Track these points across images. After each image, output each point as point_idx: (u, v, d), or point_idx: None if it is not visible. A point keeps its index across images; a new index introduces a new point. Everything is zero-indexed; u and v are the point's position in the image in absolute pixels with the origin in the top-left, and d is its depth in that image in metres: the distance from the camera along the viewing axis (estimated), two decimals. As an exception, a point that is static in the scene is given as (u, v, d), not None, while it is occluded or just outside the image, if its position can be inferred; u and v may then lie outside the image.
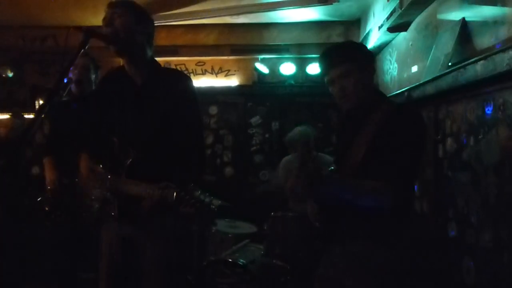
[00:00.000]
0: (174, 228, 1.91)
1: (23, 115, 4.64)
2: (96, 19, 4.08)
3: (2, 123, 4.68)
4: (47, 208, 2.50)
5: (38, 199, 2.54)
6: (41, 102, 4.65)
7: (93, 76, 2.71)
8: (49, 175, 2.57)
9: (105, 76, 2.05)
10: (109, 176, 1.83)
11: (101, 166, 1.89)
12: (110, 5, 1.80)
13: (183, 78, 1.95)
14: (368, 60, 1.71)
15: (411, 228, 1.64)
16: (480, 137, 2.00)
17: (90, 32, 1.57)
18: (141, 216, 1.75)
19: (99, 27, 1.79)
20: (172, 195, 1.61)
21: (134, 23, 1.80)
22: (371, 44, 3.73)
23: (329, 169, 1.90)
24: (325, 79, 1.70)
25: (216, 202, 1.58)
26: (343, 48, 1.72)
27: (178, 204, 1.60)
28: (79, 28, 1.55)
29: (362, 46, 1.76)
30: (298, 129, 3.59)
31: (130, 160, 1.81)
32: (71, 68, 2.68)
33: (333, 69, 1.65)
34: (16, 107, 4.66)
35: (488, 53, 1.77)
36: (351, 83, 1.62)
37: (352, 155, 1.62)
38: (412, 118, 1.60)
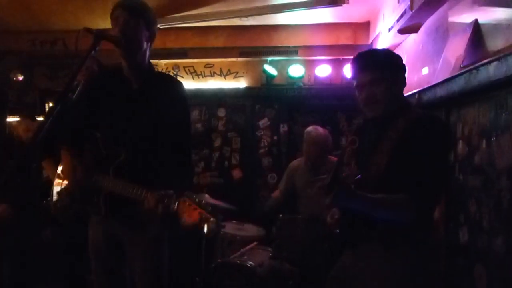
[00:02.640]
0: (164, 229, 1.94)
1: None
2: (105, 22, 4.09)
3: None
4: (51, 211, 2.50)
5: (44, 202, 2.54)
6: (51, 105, 4.69)
7: None
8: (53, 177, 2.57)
9: (100, 73, 2.05)
10: (95, 173, 1.85)
11: (85, 161, 1.91)
12: (124, 8, 1.81)
13: (176, 84, 2.00)
14: (400, 71, 1.69)
15: (431, 236, 1.61)
16: (492, 139, 1.97)
17: (101, 34, 1.59)
18: (134, 219, 1.77)
19: (109, 29, 1.80)
20: (174, 205, 1.61)
21: (145, 30, 1.85)
22: (381, 46, 3.70)
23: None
24: (354, 83, 1.66)
25: (220, 216, 1.57)
26: (378, 55, 1.71)
27: (180, 214, 1.60)
28: (89, 30, 1.56)
29: (397, 57, 1.72)
30: (319, 130, 3.53)
31: (120, 159, 1.83)
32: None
33: (364, 73, 1.62)
34: (26, 110, 4.70)
35: (501, 55, 1.74)
36: (380, 91, 1.59)
37: (376, 163, 1.60)
38: (435, 128, 1.56)
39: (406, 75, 1.72)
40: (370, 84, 1.60)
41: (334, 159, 3.72)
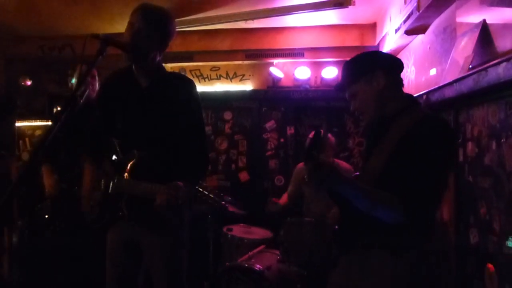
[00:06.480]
0: (182, 231, 1.95)
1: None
2: (113, 27, 4.16)
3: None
4: (46, 216, 2.52)
5: (37, 206, 2.56)
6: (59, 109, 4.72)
7: (98, 84, 2.72)
8: (47, 181, 2.60)
9: (110, 78, 2.05)
10: (114, 177, 1.87)
11: (105, 168, 1.93)
12: (143, 16, 1.81)
13: (186, 82, 2.01)
14: (377, 71, 1.59)
15: (433, 240, 1.57)
16: (502, 140, 1.95)
17: (108, 40, 1.60)
18: (151, 214, 1.77)
19: (116, 34, 1.81)
20: (184, 192, 1.68)
21: (158, 40, 1.86)
22: (387, 47, 3.69)
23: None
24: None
25: (227, 198, 1.66)
26: (346, 70, 1.70)
27: (192, 200, 1.66)
28: (96, 36, 1.57)
29: (367, 60, 1.67)
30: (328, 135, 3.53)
31: (134, 161, 1.84)
32: (76, 75, 2.71)
33: (345, 92, 1.71)
34: (34, 115, 4.73)
35: (510, 55, 1.72)
36: (359, 103, 1.65)
37: (373, 164, 1.58)
38: (437, 132, 1.50)
39: (384, 70, 1.60)
40: (350, 99, 1.69)
41: (342, 162, 3.71)
